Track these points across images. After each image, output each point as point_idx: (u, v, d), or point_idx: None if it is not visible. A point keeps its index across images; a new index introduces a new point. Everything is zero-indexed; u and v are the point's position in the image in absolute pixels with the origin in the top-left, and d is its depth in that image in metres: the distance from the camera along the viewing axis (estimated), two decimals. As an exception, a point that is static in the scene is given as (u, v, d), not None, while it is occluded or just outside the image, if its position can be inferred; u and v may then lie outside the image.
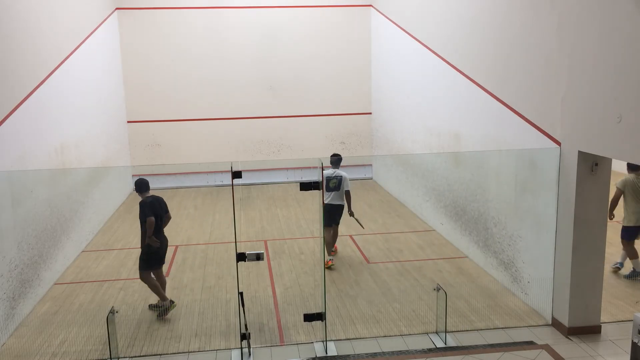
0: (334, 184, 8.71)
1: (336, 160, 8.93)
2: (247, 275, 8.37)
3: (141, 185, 7.11)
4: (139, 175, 14.57)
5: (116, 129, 13.54)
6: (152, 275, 7.13)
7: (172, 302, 7.14)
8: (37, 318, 7.13)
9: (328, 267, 8.58)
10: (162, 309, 7.04)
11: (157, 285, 7.08)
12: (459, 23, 9.18)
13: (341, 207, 8.85)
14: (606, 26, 5.45)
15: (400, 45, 12.51)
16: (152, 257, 7.06)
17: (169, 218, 7.35)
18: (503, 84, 7.74)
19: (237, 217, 11.79)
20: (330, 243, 8.89)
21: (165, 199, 7.34)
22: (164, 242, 7.19)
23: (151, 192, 7.19)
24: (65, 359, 6.11)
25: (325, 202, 8.71)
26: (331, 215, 8.78)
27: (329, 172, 8.75)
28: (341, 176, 8.76)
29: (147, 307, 7.30)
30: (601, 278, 6.31)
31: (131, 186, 14.49)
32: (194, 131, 14.94)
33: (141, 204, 6.98)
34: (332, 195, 8.73)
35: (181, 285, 8.13)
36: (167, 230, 10.80)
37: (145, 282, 7.08)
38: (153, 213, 6.93)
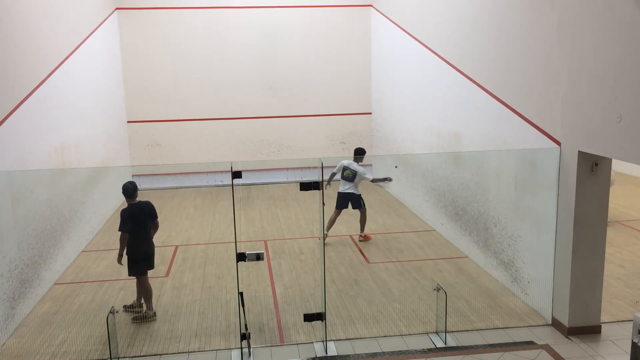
0: (348, 175, 9.72)
1: (357, 151, 9.96)
2: (247, 275, 8.37)
3: (128, 191, 6.88)
4: (139, 175, 14.58)
5: (116, 129, 13.54)
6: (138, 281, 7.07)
7: (141, 311, 7.06)
8: (37, 318, 7.13)
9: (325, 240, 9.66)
10: (140, 315, 6.96)
11: (151, 293, 7.05)
12: (459, 23, 9.18)
13: (353, 195, 9.77)
14: (606, 26, 5.45)
15: (400, 45, 12.51)
16: (141, 262, 6.96)
17: (156, 226, 7.14)
18: (503, 84, 7.74)
19: (237, 217, 11.79)
20: (333, 222, 9.99)
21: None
22: (150, 249, 7.06)
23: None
24: (65, 359, 6.11)
25: (339, 190, 9.89)
26: (343, 201, 9.87)
27: (346, 162, 9.84)
28: (356, 171, 9.68)
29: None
30: (601, 278, 6.31)
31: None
32: (194, 131, 14.94)
33: (121, 213, 6.83)
34: (346, 184, 9.80)
35: (181, 285, 8.13)
36: (168, 230, 10.89)
37: (142, 285, 7.02)
38: (133, 224, 6.79)
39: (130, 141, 14.69)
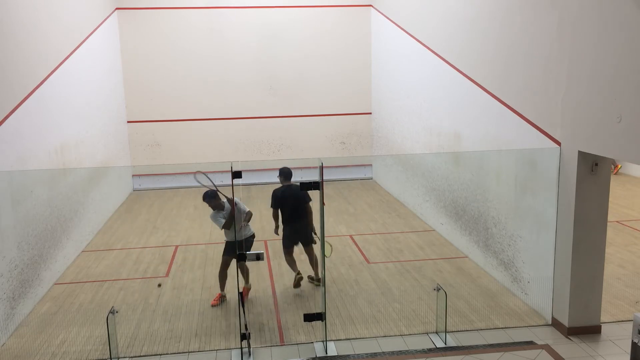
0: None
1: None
2: (247, 275, 8.36)
3: (284, 174, 7.82)
4: (139, 175, 14.60)
5: (116, 129, 13.54)
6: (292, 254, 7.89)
7: (298, 273, 7.79)
8: (37, 318, 7.13)
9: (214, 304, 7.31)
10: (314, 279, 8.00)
11: (293, 261, 7.84)
12: (459, 23, 9.18)
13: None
14: (606, 26, 5.45)
15: (400, 45, 12.51)
16: (287, 239, 7.87)
17: (309, 210, 7.78)
18: (503, 84, 7.74)
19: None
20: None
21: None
22: (297, 226, 7.77)
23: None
24: (65, 359, 6.11)
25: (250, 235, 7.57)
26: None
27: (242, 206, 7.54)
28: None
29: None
30: (601, 278, 6.31)
31: (131, 186, 14.53)
32: (194, 131, 14.94)
33: (272, 193, 7.82)
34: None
35: (181, 285, 8.13)
36: (168, 230, 10.89)
37: (286, 256, 7.90)
38: (280, 204, 7.71)
39: (130, 141, 14.69)
